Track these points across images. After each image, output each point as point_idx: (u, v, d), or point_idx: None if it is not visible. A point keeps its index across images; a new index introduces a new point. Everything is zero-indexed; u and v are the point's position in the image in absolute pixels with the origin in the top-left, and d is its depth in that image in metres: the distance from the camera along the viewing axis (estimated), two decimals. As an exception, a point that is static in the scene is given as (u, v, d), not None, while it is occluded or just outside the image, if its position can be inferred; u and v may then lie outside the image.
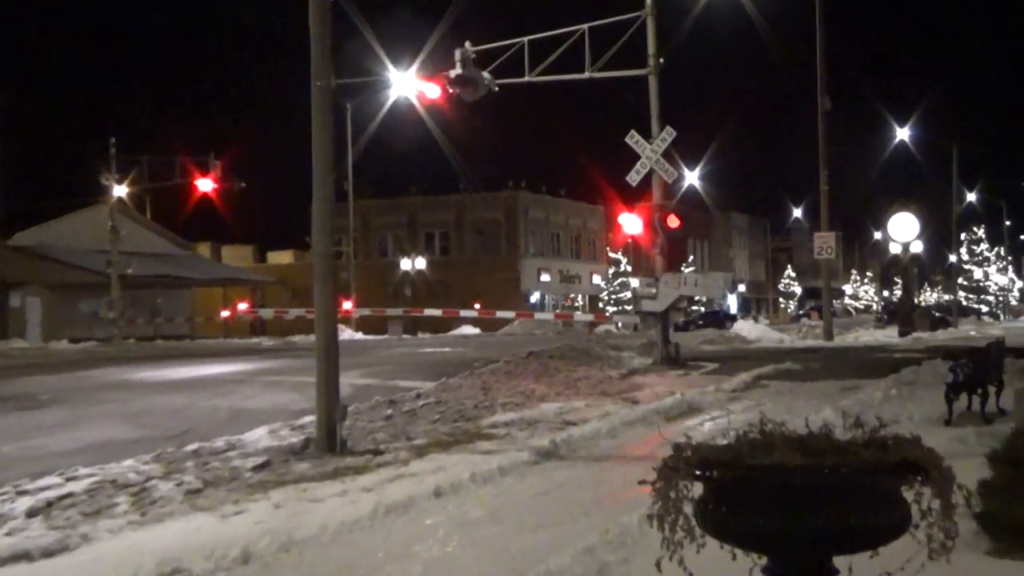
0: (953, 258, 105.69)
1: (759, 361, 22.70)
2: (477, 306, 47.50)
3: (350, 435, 12.07)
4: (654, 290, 21.95)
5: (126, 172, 43.87)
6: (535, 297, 79.22)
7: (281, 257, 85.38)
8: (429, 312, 37.82)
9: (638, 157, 22.19)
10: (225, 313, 57.73)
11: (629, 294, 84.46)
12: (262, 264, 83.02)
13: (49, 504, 8.96)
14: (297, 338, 51.00)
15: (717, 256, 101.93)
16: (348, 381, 19.19)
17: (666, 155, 22.00)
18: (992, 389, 13.18)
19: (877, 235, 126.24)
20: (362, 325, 57.26)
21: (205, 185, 40.35)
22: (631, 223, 22.55)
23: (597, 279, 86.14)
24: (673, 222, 21.92)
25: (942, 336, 39.45)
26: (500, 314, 39.18)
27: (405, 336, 54.65)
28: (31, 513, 8.65)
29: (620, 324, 78.29)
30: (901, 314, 40.44)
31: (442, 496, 9.00)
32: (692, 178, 59.27)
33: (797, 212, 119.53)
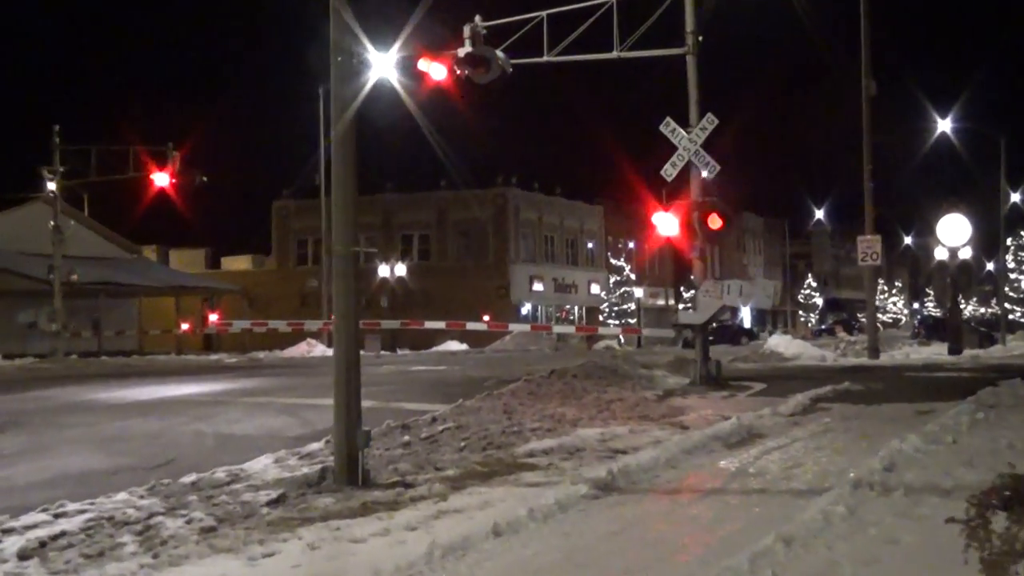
0: (991, 266, 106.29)
1: (809, 381, 22.58)
2: (487, 318, 47.26)
3: (371, 465, 11.85)
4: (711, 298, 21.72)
5: (70, 164, 43.45)
6: (527, 309, 79.06)
7: (237, 263, 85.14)
8: (431, 324, 37.48)
9: (659, 147, 22.03)
10: (185, 325, 57.38)
11: (632, 306, 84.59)
12: (216, 270, 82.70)
13: (42, 544, 8.71)
14: (261, 354, 50.80)
15: (729, 262, 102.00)
16: (344, 403, 19.02)
17: (706, 145, 21.88)
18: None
19: (908, 240, 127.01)
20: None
21: (161, 179, 40.03)
22: (667, 223, 22.31)
23: (595, 288, 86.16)
24: (715, 222, 21.73)
25: (998, 354, 39.45)
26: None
27: (384, 353, 54.44)
28: (23, 555, 8.42)
29: (622, 340, 78.39)
30: (951, 329, 40.43)
31: (502, 536, 8.78)
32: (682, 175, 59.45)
33: (819, 213, 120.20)
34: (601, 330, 49.38)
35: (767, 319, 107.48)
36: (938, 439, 13.28)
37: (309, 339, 54.96)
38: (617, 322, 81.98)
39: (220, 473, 11.71)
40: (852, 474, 10.66)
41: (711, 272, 24.29)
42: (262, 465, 12.32)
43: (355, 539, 8.81)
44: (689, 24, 22.60)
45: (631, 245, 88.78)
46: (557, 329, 66.74)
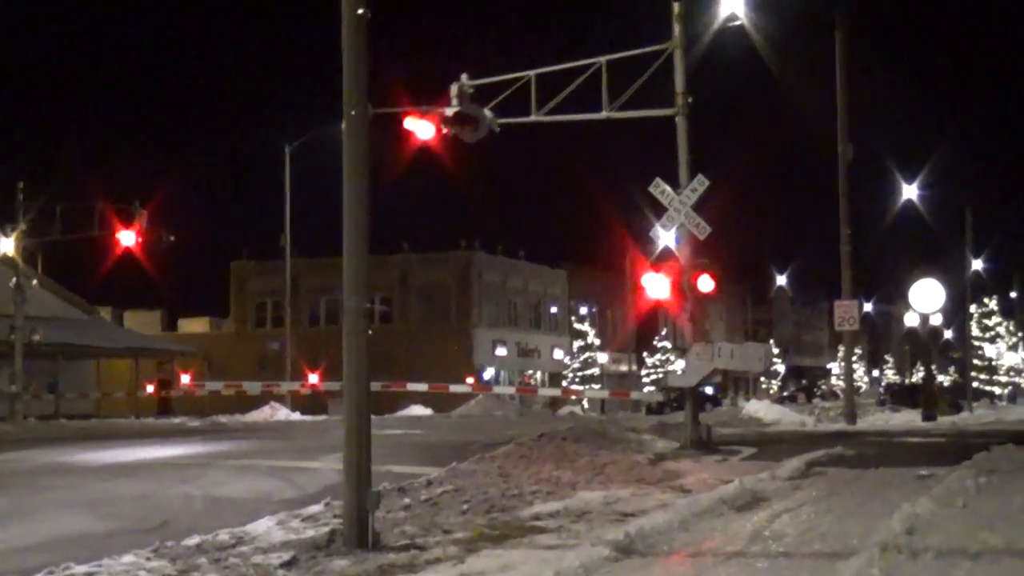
0: (949, 334, 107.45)
1: (797, 445, 22.60)
2: (470, 380, 47.15)
3: (378, 527, 11.67)
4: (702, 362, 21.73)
5: (32, 221, 43.09)
6: (489, 373, 78.82)
7: (194, 325, 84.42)
8: (413, 386, 37.21)
9: (626, 211, 22.14)
10: (150, 388, 56.78)
11: (596, 371, 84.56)
12: (172, 332, 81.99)
13: (58, 608, 8.51)
14: (224, 418, 50.25)
15: (699, 329, 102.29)
16: (329, 466, 18.84)
17: (697, 207, 21.96)
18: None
19: (868, 307, 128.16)
20: (298, 403, 56.57)
21: (128, 238, 39.67)
22: (657, 285, 22.33)
23: (559, 353, 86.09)
24: (706, 285, 21.82)
25: (971, 420, 39.73)
26: (544, 391, 37.87)
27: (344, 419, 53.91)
28: (41, 619, 8.19)
29: (587, 404, 78.29)
30: (925, 396, 40.67)
31: (532, 599, 8.66)
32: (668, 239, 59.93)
33: (781, 279, 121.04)
34: (634, 394, 49.05)
35: (728, 387, 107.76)
36: (949, 503, 13.27)
37: (273, 403, 54.45)
38: (584, 387, 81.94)
39: (224, 535, 11.50)
40: (876, 537, 10.58)
41: (672, 337, 24.25)
42: (265, 527, 12.11)
43: (383, 602, 8.66)
44: (679, 85, 22.76)
45: (594, 310, 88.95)
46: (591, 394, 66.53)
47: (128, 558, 10.22)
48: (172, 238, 41.35)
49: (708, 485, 15.97)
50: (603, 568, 9.87)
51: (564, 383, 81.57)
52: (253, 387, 48.68)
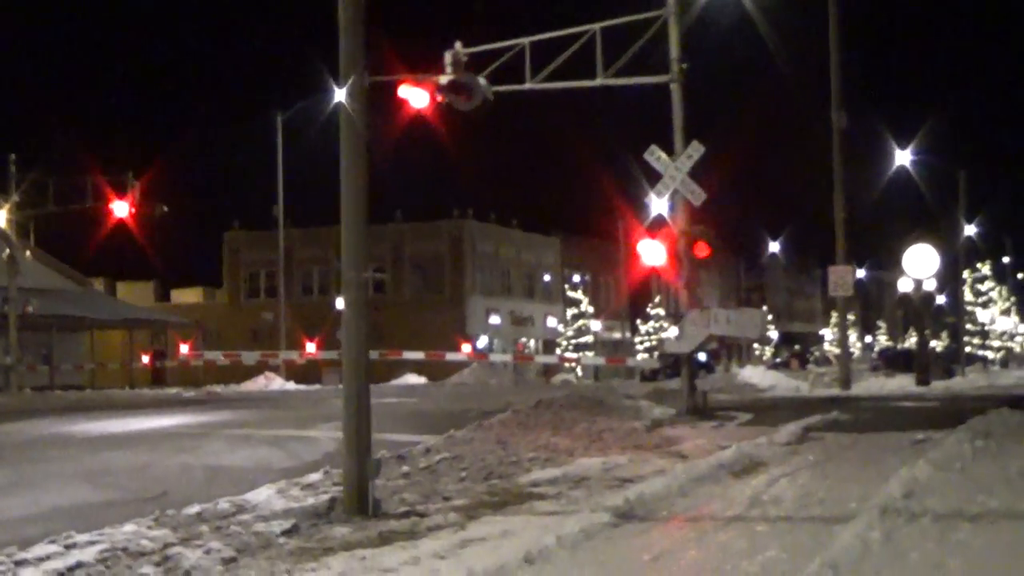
0: (941, 299, 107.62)
1: (793, 411, 22.71)
2: (467, 348, 47.05)
3: (377, 495, 11.71)
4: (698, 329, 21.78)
5: (25, 194, 42.98)
6: (483, 342, 78.86)
7: (187, 295, 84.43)
8: (409, 355, 37.08)
9: (621, 179, 22.18)
10: (145, 358, 56.78)
11: (590, 339, 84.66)
12: (165, 303, 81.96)
13: (62, 576, 8.53)
14: (219, 388, 50.31)
15: (694, 295, 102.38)
16: (327, 435, 18.87)
17: (692, 173, 21.97)
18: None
19: (861, 273, 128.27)
20: (292, 374, 56.64)
21: (121, 209, 39.59)
22: (653, 252, 22.33)
23: (552, 321, 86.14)
24: (702, 251, 21.84)
25: (965, 385, 39.88)
26: (541, 358, 37.57)
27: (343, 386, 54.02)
28: (45, 587, 8.22)
29: (580, 372, 78.43)
30: (920, 361, 40.81)
31: (535, 564, 8.71)
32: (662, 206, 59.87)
33: (774, 246, 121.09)
34: (629, 361, 49.00)
35: (722, 352, 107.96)
36: (946, 467, 13.33)
37: (267, 372, 54.52)
38: (578, 354, 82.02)
39: (224, 504, 11.53)
40: (875, 501, 10.64)
41: (685, 303, 24.26)
42: (265, 496, 12.14)
43: (386, 569, 8.69)
44: (674, 52, 22.73)
45: (587, 278, 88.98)
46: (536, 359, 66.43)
47: (129, 527, 10.22)
48: (166, 209, 41.33)
49: (706, 451, 16.03)
50: (603, 533, 9.92)
51: (558, 351, 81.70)
52: (250, 357, 48.62)
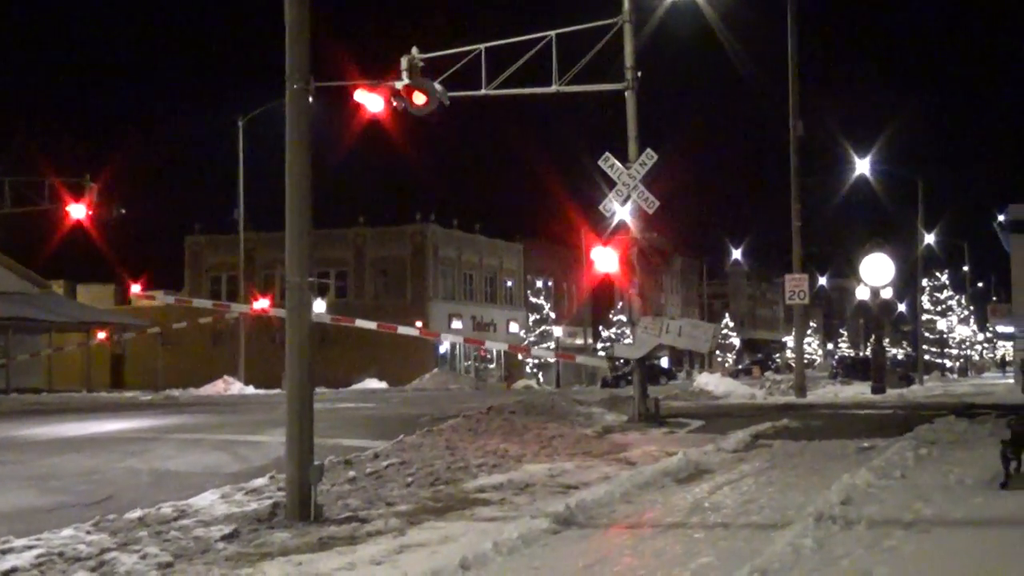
0: (902, 307, 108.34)
1: (745, 418, 22.82)
2: (419, 324, 46.54)
3: (321, 500, 11.73)
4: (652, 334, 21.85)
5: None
6: (445, 347, 78.86)
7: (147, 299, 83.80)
8: (361, 323, 36.35)
9: (584, 185, 22.26)
10: (101, 334, 56.21)
11: (552, 344, 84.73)
12: (126, 306, 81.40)
13: (-6, 581, 8.52)
14: (176, 392, 50.11)
15: (647, 301, 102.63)
16: (278, 439, 18.73)
17: (645, 181, 22.07)
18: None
19: (822, 280, 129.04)
20: (252, 377, 56.47)
21: (78, 211, 39.32)
22: (605, 259, 22.42)
23: (515, 327, 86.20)
24: (653, 258, 21.95)
25: (920, 393, 40.20)
26: (492, 344, 36.80)
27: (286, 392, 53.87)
28: (-24, 592, 8.20)
29: (542, 378, 78.57)
30: (875, 368, 41.08)
31: (470, 570, 8.75)
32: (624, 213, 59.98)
33: (736, 253, 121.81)
34: (579, 358, 49.02)
35: (684, 359, 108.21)
36: (888, 474, 13.47)
37: (226, 376, 54.32)
38: (536, 361, 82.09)
39: (166, 508, 11.53)
40: (811, 508, 10.74)
41: (628, 312, 24.37)
42: (208, 501, 12.14)
43: (320, 574, 8.72)
44: (629, 59, 22.84)
45: (550, 283, 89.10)
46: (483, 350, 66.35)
47: (68, 532, 10.22)
48: (123, 211, 41.05)
49: (653, 457, 16.12)
50: (542, 540, 9.97)
51: (520, 356, 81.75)
52: (203, 303, 47.20)
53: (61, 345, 59.06)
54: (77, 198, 39.77)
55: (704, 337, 22.64)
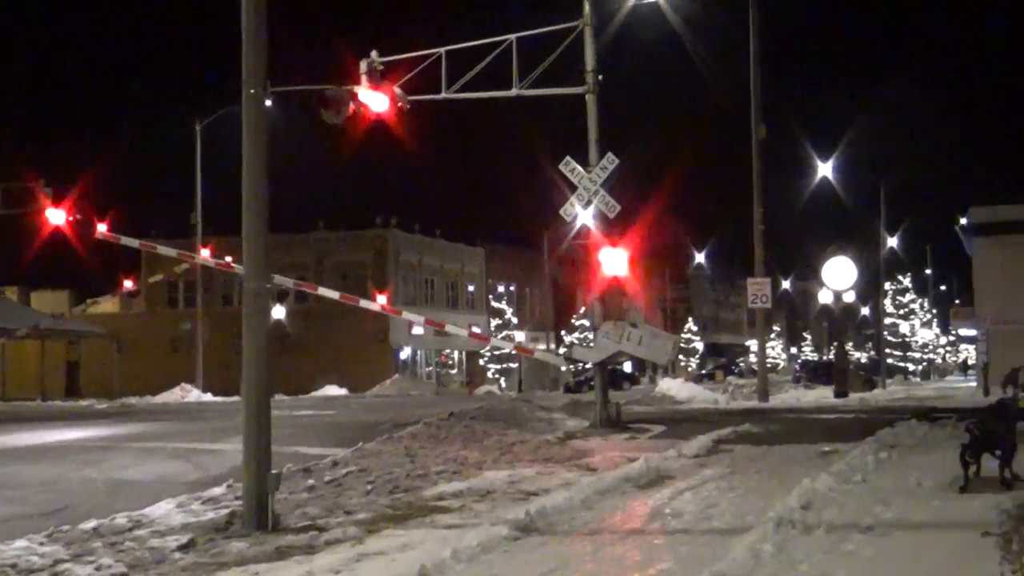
0: (866, 310, 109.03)
1: (707, 424, 22.93)
2: (382, 299, 45.93)
3: (278, 509, 11.72)
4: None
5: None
6: (406, 353, 78.79)
7: (103, 306, 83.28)
8: (324, 291, 35.82)
9: (546, 189, 22.31)
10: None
11: (512, 350, 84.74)
12: (81, 313, 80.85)
13: (-56, 593, 8.47)
14: (133, 400, 49.84)
15: (610, 306, 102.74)
16: (237, 448, 18.64)
17: (607, 186, 22.16)
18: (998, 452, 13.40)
19: (786, 284, 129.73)
20: (211, 385, 56.27)
21: (57, 217, 38.74)
22: (614, 261, 22.18)
23: (476, 332, 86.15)
24: (617, 262, 21.98)
25: (883, 397, 40.50)
26: (450, 329, 36.76)
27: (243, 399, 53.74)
28: (-73, 605, 8.15)
29: (504, 384, 78.57)
30: (838, 373, 41.31)
31: (429, 578, 8.76)
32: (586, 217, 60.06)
33: (699, 257, 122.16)
34: (537, 353, 48.90)
35: (647, 364, 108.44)
36: (848, 478, 13.58)
37: (183, 384, 54.07)
38: (499, 366, 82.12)
39: (121, 519, 11.48)
40: (772, 513, 10.81)
41: (599, 315, 24.40)
42: (164, 510, 12.11)
43: (278, 584, 8.73)
44: (589, 63, 22.92)
45: (512, 288, 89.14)
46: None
47: (21, 543, 10.16)
48: (78, 216, 40.48)
49: (614, 463, 16.17)
50: (502, 547, 9.99)
51: (481, 362, 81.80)
52: (168, 251, 46.07)
53: (15, 352, 58.67)
54: (31, 204, 39.18)
55: (664, 350, 22.71)
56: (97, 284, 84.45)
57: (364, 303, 33.45)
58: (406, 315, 41.01)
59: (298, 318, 71.62)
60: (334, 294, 34.44)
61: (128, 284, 54.31)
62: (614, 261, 22.32)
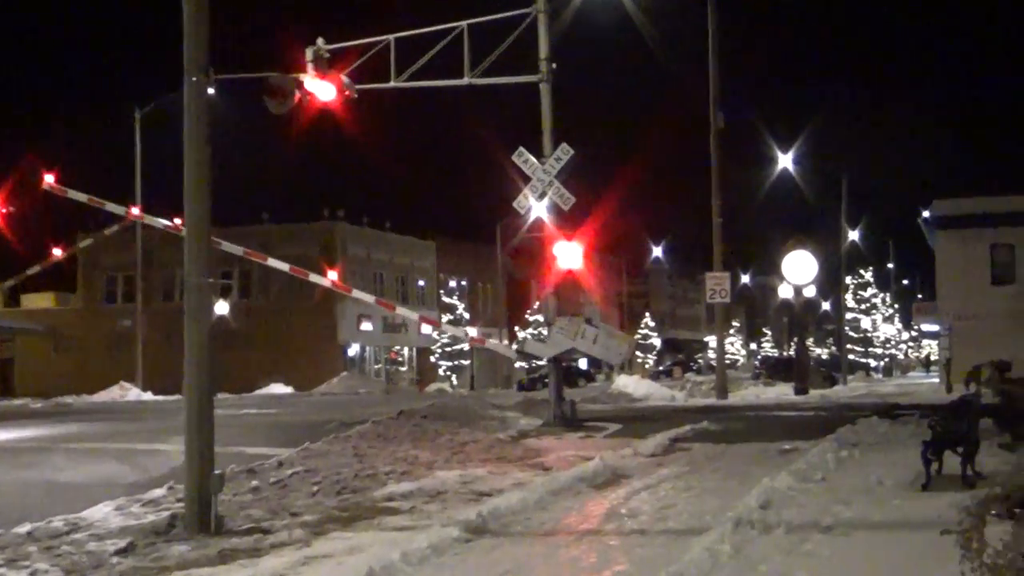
0: (827, 305, 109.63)
1: (664, 421, 23.02)
2: (333, 275, 45.38)
3: (222, 511, 11.67)
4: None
5: None
6: (354, 350, 78.59)
7: (38, 300, 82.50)
8: (274, 262, 35.51)
9: (499, 181, 22.30)
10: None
11: (466, 346, 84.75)
12: (15, 309, 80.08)
13: None
14: (70, 399, 49.43)
15: (565, 301, 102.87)
16: (178, 449, 18.61)
17: (562, 177, 22.18)
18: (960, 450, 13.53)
19: (745, 279, 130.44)
20: (151, 383, 55.91)
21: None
22: (569, 254, 22.17)
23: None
24: (571, 256, 22.03)
25: (844, 393, 40.81)
26: (401, 311, 36.01)
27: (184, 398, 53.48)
28: None
29: (456, 382, 78.53)
30: (798, 369, 41.58)
31: (378, 582, 8.76)
32: (540, 209, 60.05)
33: (657, 251, 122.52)
34: (489, 343, 48.76)
35: (602, 361, 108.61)
36: (808, 477, 13.69)
37: (122, 383, 53.69)
38: (450, 363, 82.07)
39: (58, 522, 11.40)
40: (730, 513, 10.88)
41: (553, 310, 24.38)
42: (103, 513, 12.03)
43: (221, 588, 8.70)
44: (543, 51, 22.93)
45: (464, 283, 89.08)
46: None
47: (-49, 548, 10.09)
48: (11, 209, 40.12)
49: (569, 463, 16.20)
50: (453, 549, 10.00)
51: (432, 358, 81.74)
52: (116, 208, 45.33)
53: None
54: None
55: (619, 351, 22.82)
56: (31, 278, 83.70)
57: (314, 277, 33.13)
58: (356, 293, 40.69)
59: (242, 314, 71.25)
60: (284, 266, 34.12)
61: (57, 252, 53.62)
62: (569, 255, 22.30)
